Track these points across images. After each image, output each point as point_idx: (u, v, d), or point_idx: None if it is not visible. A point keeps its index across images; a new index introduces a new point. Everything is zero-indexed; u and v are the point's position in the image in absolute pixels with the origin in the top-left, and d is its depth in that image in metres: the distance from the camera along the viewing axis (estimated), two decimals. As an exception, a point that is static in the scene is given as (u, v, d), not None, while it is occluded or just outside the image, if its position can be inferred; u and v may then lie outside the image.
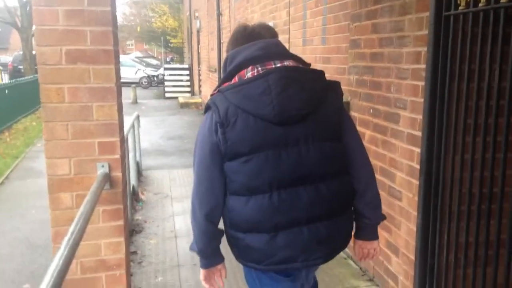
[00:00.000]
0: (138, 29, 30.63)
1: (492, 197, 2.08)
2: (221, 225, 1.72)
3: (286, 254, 1.62)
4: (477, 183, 2.16)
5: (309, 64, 1.72)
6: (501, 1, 1.93)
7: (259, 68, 1.60)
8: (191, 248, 1.74)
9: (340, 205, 1.70)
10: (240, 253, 1.70)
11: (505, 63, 1.97)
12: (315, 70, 1.69)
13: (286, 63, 1.63)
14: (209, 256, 1.72)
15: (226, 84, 1.63)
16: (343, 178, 1.69)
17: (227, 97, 1.58)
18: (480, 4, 2.05)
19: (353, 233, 1.83)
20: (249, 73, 1.60)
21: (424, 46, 2.47)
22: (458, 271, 2.31)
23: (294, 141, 1.58)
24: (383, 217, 1.83)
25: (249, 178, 1.59)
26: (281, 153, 1.57)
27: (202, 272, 1.74)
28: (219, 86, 1.66)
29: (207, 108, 1.64)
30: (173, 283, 3.24)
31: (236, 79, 1.62)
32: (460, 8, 2.20)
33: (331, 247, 1.69)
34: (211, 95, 1.65)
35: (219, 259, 1.75)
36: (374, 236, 1.84)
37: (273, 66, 1.60)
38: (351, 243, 1.83)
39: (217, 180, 1.63)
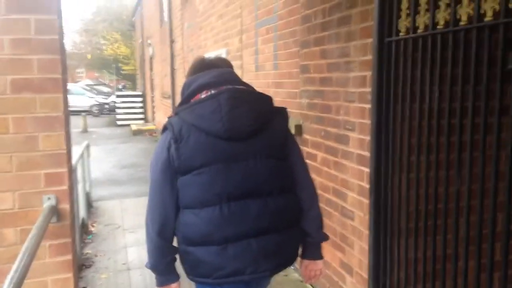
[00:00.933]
0: (89, 56, 30.07)
1: (437, 213, 2.17)
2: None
3: (235, 266, 1.67)
4: (423, 200, 2.24)
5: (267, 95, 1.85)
6: (437, 27, 2.06)
7: (212, 91, 1.71)
8: (146, 265, 1.78)
9: (287, 220, 1.78)
10: (191, 268, 1.75)
11: (444, 84, 2.09)
12: (263, 94, 1.83)
13: (237, 87, 1.75)
14: (163, 273, 1.76)
15: (185, 103, 1.76)
16: (289, 195, 1.79)
17: (181, 117, 1.70)
18: (419, 31, 2.18)
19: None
20: (203, 96, 1.72)
21: (369, 70, 2.58)
22: (409, 287, 2.37)
23: (243, 157, 1.69)
24: (326, 237, 1.93)
25: (201, 190, 1.67)
26: (231, 167, 1.67)
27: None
28: (176, 109, 1.77)
29: (164, 128, 1.74)
30: (127, 318, 3.12)
31: (193, 100, 1.74)
32: (400, 34, 2.33)
33: (278, 260, 1.76)
34: (169, 117, 1.75)
35: (174, 277, 1.78)
36: (319, 256, 1.93)
37: (223, 88, 1.72)
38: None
39: (168, 195, 1.70)
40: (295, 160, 1.83)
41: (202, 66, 1.84)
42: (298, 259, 1.96)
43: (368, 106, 2.64)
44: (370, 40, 2.56)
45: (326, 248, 3.27)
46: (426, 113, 2.21)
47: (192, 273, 1.75)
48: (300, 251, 1.91)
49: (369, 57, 2.58)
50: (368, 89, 2.62)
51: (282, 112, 1.82)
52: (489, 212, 1.84)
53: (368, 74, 2.61)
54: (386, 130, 2.49)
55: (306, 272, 1.94)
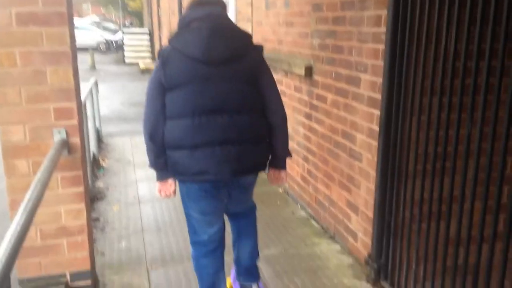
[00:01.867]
0: (95, -9, 29.21)
1: (446, 155, 2.17)
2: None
3: (201, 167, 2.04)
4: (433, 142, 2.24)
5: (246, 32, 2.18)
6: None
7: (205, 20, 2.02)
8: (148, 165, 2.21)
9: (250, 135, 2.10)
10: (171, 168, 2.14)
11: (461, 25, 2.01)
12: (244, 32, 2.15)
13: (221, 22, 2.08)
14: (160, 168, 2.16)
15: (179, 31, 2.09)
16: (256, 115, 2.12)
17: (171, 44, 2.05)
18: (439, -34, 2.07)
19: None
20: (195, 23, 2.03)
21: (385, 9, 2.48)
22: (413, 226, 2.42)
23: (216, 79, 2.01)
24: (290, 154, 2.32)
25: (180, 105, 2.02)
26: (205, 87, 2.00)
27: (157, 185, 2.23)
28: (170, 37, 2.09)
29: (158, 54, 2.08)
30: (137, 247, 3.24)
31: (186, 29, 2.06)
32: (419, -30, 2.21)
33: (239, 166, 2.09)
34: (164, 46, 2.09)
35: (169, 174, 2.18)
36: (283, 166, 2.32)
37: (212, 20, 2.03)
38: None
39: (159, 108, 2.06)
40: (267, 88, 2.15)
41: (198, 3, 2.09)
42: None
43: (382, 47, 2.56)
44: (388, -24, 2.44)
45: (333, 188, 3.32)
46: (441, 55, 2.15)
47: (172, 172, 2.15)
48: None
49: (386, -6, 2.47)
50: (383, 29, 2.53)
51: (258, 48, 2.15)
52: (499, 155, 1.83)
53: (384, 13, 2.51)
54: (399, 72, 2.43)
55: (271, 177, 2.37)
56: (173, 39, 2.05)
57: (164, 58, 2.02)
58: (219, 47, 1.98)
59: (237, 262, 2.54)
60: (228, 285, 2.58)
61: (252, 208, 2.52)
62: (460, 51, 2.03)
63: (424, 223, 2.33)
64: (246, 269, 2.51)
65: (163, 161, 2.13)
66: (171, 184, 2.21)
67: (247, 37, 2.13)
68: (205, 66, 1.99)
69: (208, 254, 2.28)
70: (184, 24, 2.06)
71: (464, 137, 2.03)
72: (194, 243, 2.30)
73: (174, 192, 2.23)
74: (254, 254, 2.52)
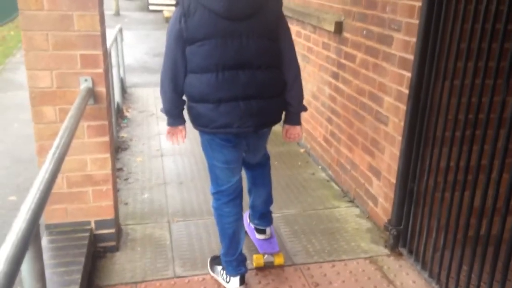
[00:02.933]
0: None
1: (477, 123, 2.10)
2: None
3: (225, 120, 2.13)
4: (464, 109, 2.16)
5: None
6: None
7: None
8: (161, 110, 2.28)
9: (271, 90, 2.19)
10: (193, 119, 2.22)
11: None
12: None
13: None
14: (174, 116, 2.25)
15: None
16: (275, 70, 2.18)
17: None
18: None
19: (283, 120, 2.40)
20: None
21: (425, -37, 2.34)
22: (437, 194, 2.38)
23: (238, 34, 2.04)
24: (305, 108, 2.39)
25: (202, 59, 2.06)
26: (227, 42, 2.04)
27: (167, 129, 2.31)
28: None
29: (176, 3, 2.07)
30: (159, 200, 3.31)
31: None
32: None
33: (260, 120, 2.19)
34: None
35: (182, 121, 2.29)
36: (297, 122, 2.41)
37: None
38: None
39: (179, 59, 2.10)
40: (285, 43, 2.19)
41: None
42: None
43: (418, 3, 2.44)
44: None
45: (356, 151, 3.29)
46: (481, 15, 2.03)
47: (194, 123, 2.23)
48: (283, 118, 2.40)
49: None
50: (421, -15, 2.40)
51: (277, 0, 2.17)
52: (535, 127, 1.76)
53: (424, -33, 2.37)
54: (435, 32, 2.32)
55: (287, 134, 2.45)
56: None
57: (185, 9, 2.01)
58: (241, 3, 2.02)
59: (253, 208, 2.70)
60: None
61: (267, 159, 2.67)
62: (501, 12, 1.91)
63: (447, 192, 2.29)
64: (261, 215, 2.68)
65: (180, 109, 2.24)
66: (182, 130, 2.32)
67: None
68: (227, 21, 2.01)
69: (229, 203, 2.36)
70: None
71: (497, 105, 1.95)
72: (216, 193, 2.38)
73: (183, 138, 2.34)
74: (269, 201, 2.68)
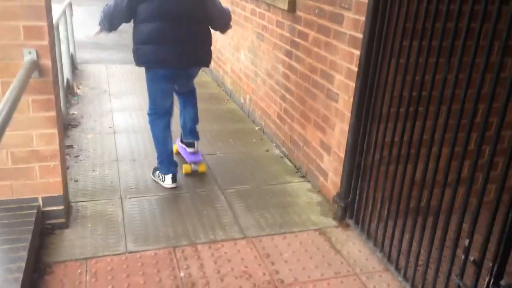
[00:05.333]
0: None
1: (420, 100, 2.19)
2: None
3: (165, 57, 2.85)
4: (409, 86, 2.25)
5: None
6: None
7: None
8: (99, 23, 2.97)
9: (199, 39, 2.95)
10: (138, 58, 2.93)
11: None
12: None
13: None
14: (108, 26, 2.91)
15: None
16: (203, 26, 2.97)
17: None
18: None
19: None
20: None
21: None
22: (382, 167, 2.49)
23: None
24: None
25: (150, 12, 2.76)
26: (170, 3, 2.77)
27: (99, 28, 3.00)
28: None
29: None
30: (111, 177, 3.26)
31: None
32: None
33: (190, 60, 2.96)
34: None
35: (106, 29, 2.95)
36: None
37: None
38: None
39: (123, 13, 2.82)
40: (212, 7, 2.98)
41: None
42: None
43: (368, -17, 2.49)
44: None
45: (308, 128, 3.35)
46: (426, -3, 2.10)
47: (139, 61, 2.93)
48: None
49: None
50: (370, -36, 2.45)
51: None
52: (471, 102, 1.86)
53: None
54: (382, 11, 2.38)
55: None
56: None
57: None
58: None
59: (183, 126, 3.44)
60: (174, 150, 3.50)
61: (194, 88, 3.42)
62: (445, -7, 1.99)
63: (392, 165, 2.39)
64: (190, 130, 3.42)
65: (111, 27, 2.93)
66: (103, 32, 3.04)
67: None
68: None
69: (162, 118, 3.12)
70: None
71: (439, 83, 2.05)
72: (153, 113, 3.13)
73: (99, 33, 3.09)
74: (195, 119, 3.44)
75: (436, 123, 2.10)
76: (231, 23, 3.26)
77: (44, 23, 2.22)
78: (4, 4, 2.14)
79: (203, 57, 3.06)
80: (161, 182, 3.16)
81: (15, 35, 2.20)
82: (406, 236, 2.32)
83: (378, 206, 2.51)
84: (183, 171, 3.36)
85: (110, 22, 2.88)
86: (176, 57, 2.87)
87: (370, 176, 2.59)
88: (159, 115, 3.11)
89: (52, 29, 2.39)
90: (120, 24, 2.90)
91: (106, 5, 2.86)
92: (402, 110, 2.30)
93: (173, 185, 3.13)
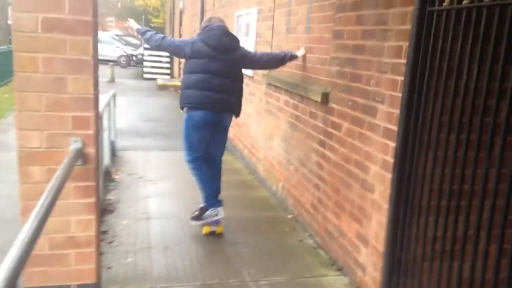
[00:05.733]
0: (119, 5, 29.93)
1: (461, 194, 2.13)
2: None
3: (203, 101, 3.61)
4: (448, 179, 2.20)
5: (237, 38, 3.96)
6: (484, 0, 1.96)
7: (214, 26, 3.73)
8: (141, 31, 3.96)
9: (231, 91, 3.73)
10: (183, 100, 3.71)
11: (484, 62, 2.00)
12: (236, 36, 3.97)
13: (225, 29, 3.77)
14: (149, 43, 3.87)
15: (201, 31, 3.76)
16: (237, 82, 3.80)
17: (199, 36, 3.72)
18: (464, 2, 2.08)
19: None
20: (209, 28, 3.73)
21: (406, 40, 2.49)
22: (425, 264, 2.36)
23: (219, 59, 3.65)
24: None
25: (196, 67, 3.65)
26: (215, 62, 3.63)
27: (139, 31, 3.96)
28: (198, 33, 3.78)
29: (191, 39, 3.78)
30: (143, 264, 3.22)
31: (204, 30, 3.75)
32: (444, 4, 2.22)
33: (223, 106, 3.69)
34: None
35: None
36: None
37: (219, 27, 3.73)
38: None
39: (177, 48, 3.79)
40: (252, 62, 3.95)
41: (209, 18, 3.89)
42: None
43: (401, 78, 2.56)
44: (410, 9, 2.45)
45: (343, 218, 3.28)
46: (461, 91, 2.14)
47: (184, 103, 3.70)
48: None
49: (408, 26, 2.48)
50: (403, 61, 2.54)
51: (242, 47, 3.89)
52: (517, 197, 1.79)
53: (405, 44, 2.52)
54: (417, 105, 2.42)
55: None
56: (200, 34, 3.72)
57: (194, 41, 3.69)
58: (225, 42, 3.68)
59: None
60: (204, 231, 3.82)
61: (221, 162, 3.95)
62: (481, 88, 2.02)
63: (436, 262, 2.27)
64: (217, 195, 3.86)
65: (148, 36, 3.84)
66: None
67: (239, 40, 3.88)
68: (215, 52, 3.63)
69: (203, 162, 3.75)
70: (204, 28, 3.75)
71: (481, 177, 2.00)
72: (194, 158, 3.73)
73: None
74: (219, 189, 3.88)
75: (480, 219, 2.01)
76: None
77: (91, 114, 2.36)
78: (56, 96, 2.30)
79: (234, 106, 3.78)
80: (215, 218, 3.74)
81: (64, 124, 2.33)
82: None
83: (422, 306, 2.35)
84: (203, 232, 3.77)
85: (154, 44, 3.77)
86: (212, 102, 3.60)
87: (413, 272, 2.46)
88: (200, 158, 3.71)
89: (97, 119, 2.53)
90: (155, 45, 3.77)
91: (160, 35, 3.78)
92: (443, 204, 2.24)
93: (223, 215, 3.79)
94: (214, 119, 3.65)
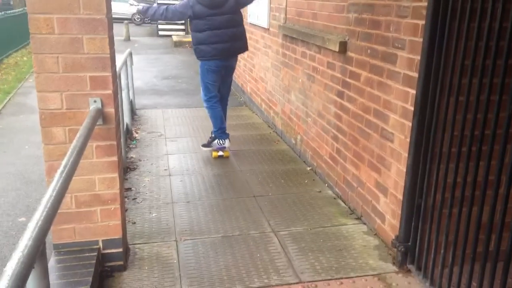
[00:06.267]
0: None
1: (483, 139, 2.10)
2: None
3: (214, 52, 4.27)
4: (470, 125, 2.16)
5: None
6: None
7: None
8: (142, 10, 4.52)
9: (237, 37, 4.37)
10: (198, 54, 4.35)
11: (509, 2, 1.91)
12: None
13: None
14: (153, 17, 4.52)
15: None
16: (240, 27, 4.40)
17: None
18: None
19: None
20: None
21: (427, -18, 2.38)
22: (444, 210, 2.37)
23: (220, 13, 4.19)
24: None
25: (201, 25, 4.21)
26: (214, 17, 4.18)
27: (140, 11, 4.60)
28: None
29: (188, 2, 4.20)
30: (167, 219, 3.32)
31: None
32: None
33: (231, 53, 4.40)
34: None
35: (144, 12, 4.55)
36: None
37: None
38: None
39: (179, 15, 4.33)
40: (241, 1, 4.40)
41: None
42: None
43: (422, 22, 2.47)
44: None
45: (362, 168, 3.28)
46: (484, 32, 2.05)
47: (198, 56, 4.37)
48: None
49: (429, -33, 2.36)
50: (424, 3, 2.44)
51: None
52: (541, 141, 1.75)
53: (426, -14, 2.41)
54: (439, 50, 2.34)
55: None
56: None
57: (192, 4, 4.17)
58: (216, 1, 4.20)
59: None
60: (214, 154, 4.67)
61: (227, 99, 4.82)
62: (505, 29, 1.93)
63: (455, 208, 2.27)
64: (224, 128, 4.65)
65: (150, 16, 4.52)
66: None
67: None
68: (211, 9, 4.18)
69: (217, 101, 4.51)
70: None
71: (503, 121, 1.95)
72: (209, 98, 4.48)
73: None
74: (225, 119, 4.68)
75: (502, 163, 1.99)
76: None
77: (108, 74, 2.36)
78: (73, 56, 2.30)
79: (241, 48, 4.48)
80: (220, 146, 4.56)
81: (82, 85, 2.35)
82: (474, 284, 2.17)
83: (442, 251, 2.37)
84: (213, 156, 4.63)
85: (160, 18, 4.30)
86: (221, 52, 4.28)
87: (432, 218, 2.47)
88: (214, 98, 4.46)
89: (115, 78, 2.54)
90: (163, 18, 4.31)
91: (163, 7, 4.27)
92: (464, 150, 2.21)
93: (229, 144, 4.60)
94: (225, 64, 4.40)
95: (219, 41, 4.22)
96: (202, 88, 4.49)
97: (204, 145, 4.70)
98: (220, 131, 4.55)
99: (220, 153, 4.61)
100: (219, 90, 4.56)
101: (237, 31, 4.34)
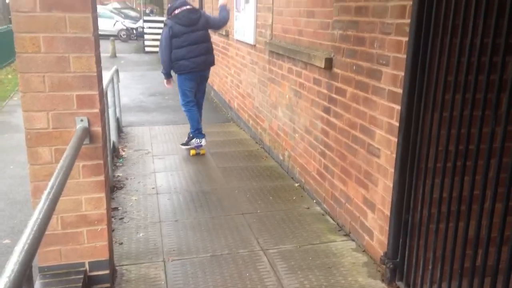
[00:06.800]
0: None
1: (467, 154, 2.13)
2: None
3: (192, 66, 5.04)
4: (454, 140, 2.20)
5: (198, 8, 5.52)
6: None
7: (181, 8, 4.99)
8: (162, 71, 5.20)
9: (209, 51, 5.20)
10: (176, 69, 5.07)
11: (489, 18, 1.96)
12: (198, 8, 5.58)
13: (188, 6, 5.05)
14: (168, 74, 5.19)
15: (171, 15, 5.01)
16: (209, 42, 5.21)
17: (172, 20, 4.97)
18: (467, -41, 2.01)
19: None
20: (177, 10, 4.98)
21: None
22: (431, 225, 2.39)
23: (193, 31, 4.99)
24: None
25: (180, 43, 4.96)
26: (191, 35, 4.98)
27: (165, 81, 5.29)
28: (168, 15, 5.11)
29: (165, 24, 5.06)
30: (154, 239, 3.28)
31: (174, 13, 4.99)
32: (446, -38, 2.15)
33: (206, 65, 5.20)
34: (167, 19, 5.11)
35: (171, 76, 5.26)
36: None
37: (184, 7, 5.00)
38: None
39: (169, 47, 4.96)
40: (211, 22, 5.20)
41: None
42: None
43: (405, 39, 2.52)
44: (413, -32, 2.39)
45: (350, 184, 3.30)
46: (466, 49, 2.10)
47: (177, 71, 5.08)
48: None
49: (411, -15, 2.42)
50: (407, 21, 2.49)
51: (200, 11, 5.24)
52: (523, 156, 1.79)
53: (409, 3, 2.46)
54: (422, 66, 2.39)
55: None
56: (172, 18, 4.94)
57: (171, 26, 4.90)
58: (192, 18, 4.95)
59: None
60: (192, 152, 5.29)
61: (202, 104, 5.52)
62: (486, 45, 1.98)
63: (442, 223, 2.29)
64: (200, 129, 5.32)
65: (169, 69, 5.09)
66: (171, 81, 5.28)
67: (199, 10, 5.20)
68: (188, 27, 4.92)
69: (194, 105, 5.24)
70: (173, 8, 4.99)
71: (487, 136, 1.99)
72: (186, 102, 5.20)
73: (172, 84, 5.34)
74: (200, 121, 5.37)
75: (486, 178, 2.02)
76: None
77: (95, 92, 2.35)
78: (59, 75, 2.29)
79: (212, 60, 5.25)
80: (198, 144, 5.22)
81: (69, 104, 2.33)
82: (464, 299, 2.18)
83: (430, 267, 2.38)
84: (191, 154, 5.26)
85: (164, 62, 5.03)
86: (199, 65, 5.05)
87: (419, 234, 2.49)
88: (191, 102, 5.19)
89: (102, 96, 2.53)
90: (169, 58, 4.96)
91: (160, 53, 5.08)
92: (449, 165, 2.24)
93: (205, 143, 5.27)
94: (200, 75, 5.18)
95: (196, 55, 5.00)
96: (180, 94, 5.20)
97: (183, 144, 5.35)
98: (197, 131, 5.22)
99: (198, 151, 5.27)
100: (195, 95, 5.29)
101: (209, 45, 5.16)
